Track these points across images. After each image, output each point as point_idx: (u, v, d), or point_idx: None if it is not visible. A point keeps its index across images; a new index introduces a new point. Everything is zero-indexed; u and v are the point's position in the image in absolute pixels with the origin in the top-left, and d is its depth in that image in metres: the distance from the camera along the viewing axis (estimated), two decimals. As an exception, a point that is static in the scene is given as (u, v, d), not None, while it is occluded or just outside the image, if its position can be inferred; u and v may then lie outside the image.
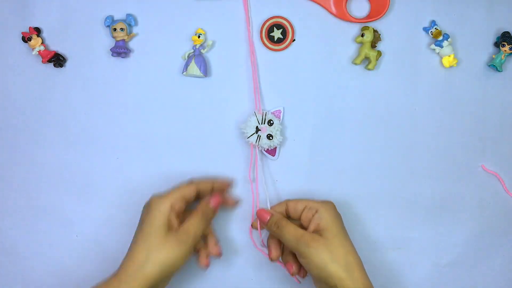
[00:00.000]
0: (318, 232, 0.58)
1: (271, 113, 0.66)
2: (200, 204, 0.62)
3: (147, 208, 0.59)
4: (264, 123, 0.65)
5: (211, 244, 0.63)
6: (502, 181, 0.68)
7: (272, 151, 0.66)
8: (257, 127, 0.65)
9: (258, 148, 0.65)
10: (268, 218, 0.62)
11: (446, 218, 0.68)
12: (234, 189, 0.67)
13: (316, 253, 0.56)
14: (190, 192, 0.61)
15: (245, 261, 0.67)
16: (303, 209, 0.61)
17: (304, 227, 0.61)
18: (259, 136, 0.64)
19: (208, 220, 0.61)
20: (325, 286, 0.57)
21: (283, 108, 0.67)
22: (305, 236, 0.58)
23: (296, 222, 0.61)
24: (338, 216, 0.60)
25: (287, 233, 0.59)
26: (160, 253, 0.56)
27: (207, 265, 0.63)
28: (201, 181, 0.63)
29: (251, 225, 0.65)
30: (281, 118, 0.66)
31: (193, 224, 0.59)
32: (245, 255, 0.67)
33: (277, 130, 0.65)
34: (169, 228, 0.58)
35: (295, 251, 0.59)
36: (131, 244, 0.59)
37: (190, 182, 0.62)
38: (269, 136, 0.64)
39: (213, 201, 0.62)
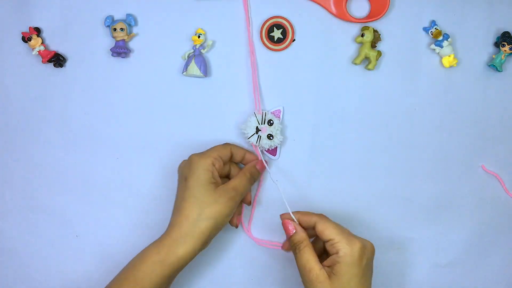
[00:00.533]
0: (330, 271, 0.56)
1: (271, 113, 0.66)
2: (248, 166, 0.63)
3: (189, 166, 0.60)
4: (264, 123, 0.65)
5: (247, 196, 0.65)
6: (502, 182, 0.68)
7: (273, 151, 0.66)
8: (257, 127, 0.64)
9: (259, 148, 0.65)
10: (292, 233, 0.60)
11: (446, 218, 0.68)
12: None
13: None
14: (226, 152, 0.62)
15: (245, 261, 0.67)
16: (328, 241, 0.57)
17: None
18: (259, 136, 0.64)
19: (253, 182, 0.63)
20: None
21: (283, 108, 0.67)
22: (312, 272, 0.56)
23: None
24: (358, 265, 0.56)
25: (300, 260, 0.57)
26: (213, 208, 0.58)
27: (237, 225, 0.65)
28: (237, 146, 0.64)
29: (281, 247, 0.65)
30: (281, 117, 0.66)
31: (242, 182, 0.61)
32: (245, 255, 0.67)
33: (277, 129, 0.65)
34: (215, 184, 0.59)
35: (301, 276, 0.58)
36: (178, 201, 0.60)
37: (225, 144, 0.64)
38: (270, 136, 0.64)
39: (259, 165, 0.64)
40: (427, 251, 0.68)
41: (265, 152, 0.66)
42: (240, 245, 0.68)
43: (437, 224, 0.68)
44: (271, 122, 0.65)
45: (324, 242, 0.58)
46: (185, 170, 0.60)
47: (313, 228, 0.59)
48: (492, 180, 0.68)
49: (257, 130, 0.65)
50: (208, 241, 0.59)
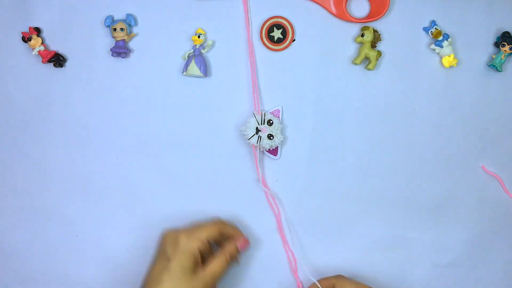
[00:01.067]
0: None
1: (270, 113, 0.66)
2: (227, 246, 0.61)
3: (174, 247, 0.58)
4: (264, 124, 0.65)
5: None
6: (502, 182, 0.68)
7: (273, 151, 0.66)
8: (257, 128, 0.64)
9: (260, 149, 0.65)
10: None
11: (446, 218, 0.68)
12: (237, 188, 0.67)
13: None
14: (216, 232, 0.60)
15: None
16: None
17: None
18: (259, 137, 0.64)
19: (231, 263, 0.61)
20: None
21: (282, 107, 0.66)
22: None
23: None
24: None
25: None
26: None
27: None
28: (226, 225, 0.62)
29: None
30: (280, 117, 0.66)
31: (220, 266, 0.59)
32: (245, 255, 0.67)
33: (277, 129, 0.65)
34: (195, 269, 0.58)
35: None
36: (153, 279, 0.57)
37: (217, 220, 0.62)
38: (270, 136, 0.64)
39: (240, 244, 0.62)
40: (427, 251, 0.68)
41: (266, 152, 0.66)
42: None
43: (437, 224, 0.68)
44: (271, 122, 0.65)
45: None
46: (169, 248, 0.58)
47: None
48: (492, 180, 0.68)
49: (257, 130, 0.64)
50: None
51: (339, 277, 0.62)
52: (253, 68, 0.66)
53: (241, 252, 0.63)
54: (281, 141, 0.65)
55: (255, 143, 0.64)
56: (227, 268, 0.60)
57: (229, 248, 0.61)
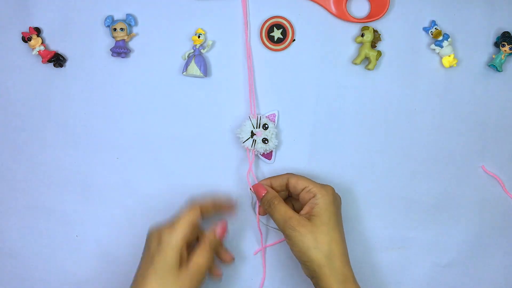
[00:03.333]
0: (309, 216, 0.59)
1: (266, 116, 0.66)
2: (206, 236, 0.60)
3: (158, 243, 0.57)
4: (259, 127, 0.64)
5: (222, 253, 0.64)
6: (502, 183, 0.68)
7: (268, 155, 0.66)
8: (252, 131, 0.64)
9: (254, 152, 0.65)
10: (263, 194, 0.62)
11: (446, 218, 0.68)
12: (233, 190, 0.67)
13: (300, 237, 0.57)
14: (196, 217, 0.59)
15: (244, 262, 0.67)
16: (303, 189, 0.61)
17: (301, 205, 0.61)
18: (254, 141, 0.64)
19: (215, 249, 0.61)
20: (306, 270, 0.59)
21: (278, 112, 0.66)
22: (293, 219, 0.58)
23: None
24: (333, 204, 0.59)
25: (277, 213, 0.60)
26: None
27: (221, 276, 0.64)
28: (203, 202, 0.62)
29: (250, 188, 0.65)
30: (276, 121, 0.66)
31: (203, 258, 0.58)
32: (244, 255, 0.67)
33: (272, 133, 0.65)
34: (181, 262, 0.57)
35: (282, 231, 0.59)
36: (139, 277, 0.57)
37: (192, 205, 0.60)
38: (265, 140, 0.64)
39: (219, 232, 0.61)
40: (427, 251, 0.68)
41: (260, 156, 0.66)
42: (240, 246, 0.68)
43: (437, 224, 0.68)
44: (266, 126, 0.65)
45: (298, 193, 0.61)
46: (153, 245, 0.57)
47: (286, 186, 0.62)
48: (492, 181, 0.68)
49: (252, 134, 0.64)
50: None
51: (289, 174, 0.63)
52: (251, 72, 0.66)
53: (220, 238, 0.62)
54: (276, 145, 0.65)
55: (249, 147, 0.64)
56: (211, 258, 0.59)
57: (208, 238, 0.60)
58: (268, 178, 0.64)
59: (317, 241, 0.57)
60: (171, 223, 0.59)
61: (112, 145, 0.67)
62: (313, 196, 0.59)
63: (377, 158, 0.67)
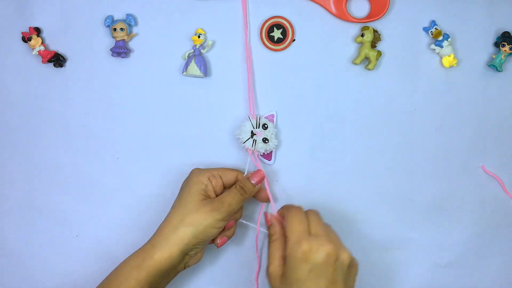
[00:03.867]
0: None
1: (265, 117, 0.66)
2: (241, 179, 0.62)
3: (187, 178, 0.62)
4: (259, 127, 0.65)
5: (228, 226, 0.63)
6: (502, 183, 0.68)
7: (268, 156, 0.66)
8: (252, 131, 0.64)
9: (255, 152, 0.65)
10: (268, 224, 0.63)
11: (446, 218, 0.68)
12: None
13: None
14: (230, 175, 0.63)
15: (242, 262, 0.67)
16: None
17: None
18: (254, 141, 0.64)
19: (245, 195, 0.61)
20: None
21: (276, 112, 0.66)
22: (271, 266, 0.57)
23: None
24: (299, 269, 0.54)
25: (268, 250, 0.59)
26: (193, 216, 0.58)
27: (219, 245, 0.63)
28: (245, 176, 0.63)
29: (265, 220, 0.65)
30: (274, 121, 0.66)
31: (229, 195, 0.60)
32: (242, 256, 0.67)
33: (272, 133, 0.65)
34: (205, 196, 0.60)
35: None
36: (170, 210, 0.60)
37: (235, 170, 0.64)
38: (265, 140, 0.64)
39: (255, 179, 0.62)
40: (427, 251, 0.68)
41: (260, 157, 0.66)
42: (237, 246, 0.68)
43: (437, 224, 0.68)
44: (266, 126, 0.65)
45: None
46: (183, 183, 0.62)
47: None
48: (492, 181, 0.68)
49: (252, 134, 0.64)
50: (187, 249, 0.58)
51: (296, 211, 0.60)
52: (250, 73, 0.66)
53: (256, 186, 0.62)
54: (276, 145, 0.65)
55: (250, 147, 0.64)
56: (238, 199, 0.60)
57: (241, 179, 0.62)
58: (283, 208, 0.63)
59: None
60: (203, 168, 0.62)
61: (112, 145, 0.67)
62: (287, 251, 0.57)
63: (376, 157, 0.67)
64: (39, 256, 0.68)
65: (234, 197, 0.60)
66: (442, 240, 0.68)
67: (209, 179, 0.61)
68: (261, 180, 0.63)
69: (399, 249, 0.68)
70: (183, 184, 0.62)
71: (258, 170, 0.63)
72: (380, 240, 0.67)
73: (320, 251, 0.54)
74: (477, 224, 0.68)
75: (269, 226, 0.62)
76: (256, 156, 0.65)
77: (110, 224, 0.67)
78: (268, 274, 0.57)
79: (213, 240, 0.63)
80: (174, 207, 0.60)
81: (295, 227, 0.57)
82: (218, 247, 0.63)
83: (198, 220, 0.58)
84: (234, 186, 0.61)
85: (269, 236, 0.61)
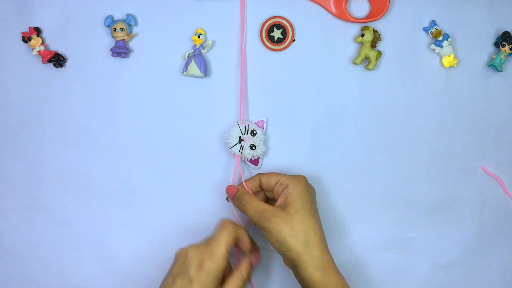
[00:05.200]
0: (283, 206, 0.59)
1: (254, 123, 0.66)
2: (243, 264, 0.58)
3: (198, 267, 0.55)
4: (247, 133, 0.64)
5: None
6: (502, 183, 0.68)
7: (255, 161, 0.66)
8: (240, 137, 0.64)
9: (241, 158, 0.65)
10: (234, 192, 0.62)
11: (446, 218, 0.68)
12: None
13: (276, 227, 0.57)
14: (231, 245, 0.58)
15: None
16: (275, 184, 0.61)
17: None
18: (242, 146, 0.64)
19: (248, 277, 0.59)
20: (286, 260, 0.58)
21: (266, 118, 0.66)
22: (267, 211, 0.58)
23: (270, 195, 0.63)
24: (307, 192, 0.60)
25: (250, 208, 0.59)
26: None
27: None
28: (237, 229, 0.59)
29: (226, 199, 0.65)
30: (264, 128, 0.66)
31: (238, 286, 0.57)
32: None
33: (260, 140, 0.65)
34: (220, 280, 0.56)
35: (258, 225, 0.59)
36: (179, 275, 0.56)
37: (229, 232, 0.58)
38: (252, 146, 0.64)
39: (254, 261, 0.60)
40: (427, 251, 0.68)
41: (247, 162, 0.66)
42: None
43: (437, 224, 0.68)
44: (254, 132, 0.65)
45: (272, 189, 0.61)
46: (192, 270, 0.55)
47: (260, 187, 0.62)
48: (492, 181, 0.68)
49: (240, 140, 0.64)
50: None
51: (259, 174, 0.63)
52: (243, 77, 0.66)
53: (254, 268, 0.61)
54: (263, 152, 0.65)
55: (237, 152, 0.64)
56: (244, 285, 0.58)
57: (244, 267, 0.58)
58: (241, 183, 0.63)
59: (293, 230, 0.57)
60: (211, 248, 0.56)
61: (112, 145, 0.67)
62: (286, 187, 0.60)
63: (376, 157, 0.67)
64: (39, 256, 0.68)
65: (241, 286, 0.57)
66: (442, 240, 0.68)
67: (222, 269, 0.56)
68: (258, 260, 0.62)
69: (399, 249, 0.68)
70: (191, 271, 0.55)
71: (255, 252, 0.61)
72: (380, 240, 0.67)
73: (304, 178, 0.61)
74: (477, 224, 0.68)
75: (235, 193, 0.62)
76: (238, 162, 0.65)
77: (110, 224, 0.67)
78: (268, 218, 0.57)
79: None
80: (192, 281, 0.55)
81: (279, 173, 0.62)
82: None
83: None
84: (239, 273, 0.57)
85: (240, 195, 0.61)
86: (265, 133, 0.66)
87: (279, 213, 0.58)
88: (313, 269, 0.56)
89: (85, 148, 0.67)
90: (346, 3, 0.66)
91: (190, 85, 0.67)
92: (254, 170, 0.67)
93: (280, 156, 0.67)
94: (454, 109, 0.67)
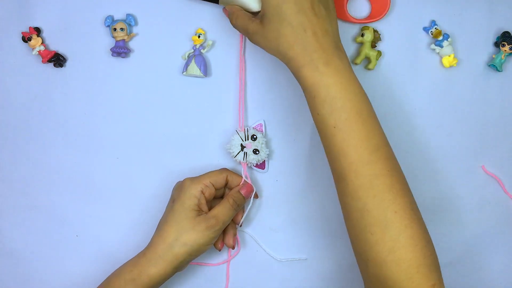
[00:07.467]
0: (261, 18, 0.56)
1: (253, 127, 0.66)
2: (231, 192, 0.63)
3: (180, 189, 0.61)
4: (248, 139, 0.64)
5: (228, 236, 0.65)
6: (502, 183, 0.68)
7: (261, 165, 0.66)
8: (241, 144, 0.64)
9: (247, 164, 0.65)
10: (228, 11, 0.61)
11: (446, 219, 0.68)
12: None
13: (258, 44, 0.57)
14: (221, 179, 0.63)
15: (240, 261, 0.67)
16: None
17: None
18: (245, 153, 0.64)
19: (237, 208, 0.63)
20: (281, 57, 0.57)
21: (264, 121, 0.66)
22: (249, 29, 0.57)
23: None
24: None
25: (240, 23, 0.58)
26: (189, 235, 0.59)
27: (220, 249, 0.64)
28: (232, 173, 0.64)
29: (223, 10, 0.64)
30: (263, 131, 0.66)
31: (223, 211, 0.61)
32: (240, 255, 0.67)
33: (262, 143, 0.65)
34: (199, 211, 0.60)
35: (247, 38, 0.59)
36: (161, 222, 0.61)
37: (220, 171, 0.63)
38: (256, 151, 0.64)
39: (244, 190, 0.63)
40: (427, 251, 0.68)
41: (253, 167, 0.66)
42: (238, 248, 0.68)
43: (437, 224, 0.67)
44: (255, 137, 0.65)
45: None
46: (176, 192, 0.62)
47: None
48: (492, 181, 0.68)
49: (242, 147, 0.64)
50: (182, 266, 0.61)
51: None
52: (242, 84, 0.66)
53: (246, 198, 0.64)
54: (267, 154, 0.65)
55: (242, 160, 0.64)
56: (231, 213, 0.62)
57: (233, 193, 0.62)
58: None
59: (267, 40, 0.55)
60: (197, 176, 0.62)
61: (112, 145, 0.67)
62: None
63: (377, 158, 0.67)
64: (39, 256, 0.68)
65: (228, 213, 0.61)
66: (442, 240, 0.67)
67: (202, 192, 0.61)
68: (251, 192, 0.64)
69: (399, 249, 0.68)
70: (174, 194, 0.62)
71: (248, 184, 0.64)
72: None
73: None
74: (477, 224, 0.68)
75: (229, 12, 0.60)
76: (246, 172, 0.65)
77: (110, 224, 0.67)
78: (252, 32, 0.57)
79: (214, 245, 0.64)
80: (167, 222, 0.60)
81: None
82: (219, 250, 0.64)
83: (193, 239, 0.59)
84: (226, 199, 0.62)
85: (233, 14, 0.59)
86: (265, 136, 0.66)
87: (257, 28, 0.56)
88: (309, 69, 0.54)
89: (85, 148, 0.67)
90: (346, 3, 0.66)
91: (190, 85, 0.67)
92: (273, 160, 0.67)
93: (281, 156, 0.67)
94: (454, 109, 0.67)
